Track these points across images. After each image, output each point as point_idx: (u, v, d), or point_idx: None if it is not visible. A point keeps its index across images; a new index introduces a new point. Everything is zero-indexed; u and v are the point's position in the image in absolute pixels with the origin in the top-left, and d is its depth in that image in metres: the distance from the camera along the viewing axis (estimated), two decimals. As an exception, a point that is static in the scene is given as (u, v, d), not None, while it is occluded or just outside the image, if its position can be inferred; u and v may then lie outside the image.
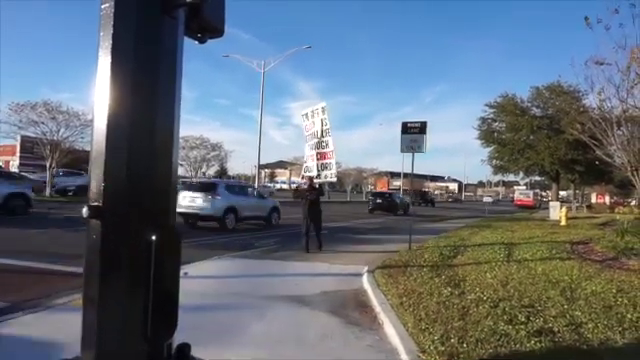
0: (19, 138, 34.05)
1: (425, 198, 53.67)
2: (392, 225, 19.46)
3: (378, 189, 73.75)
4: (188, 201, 14.69)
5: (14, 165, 44.93)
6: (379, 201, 30.51)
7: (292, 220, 15.50)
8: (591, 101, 16.46)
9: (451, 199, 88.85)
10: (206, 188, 15.49)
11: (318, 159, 11.03)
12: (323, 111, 11.13)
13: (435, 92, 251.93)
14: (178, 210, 8.28)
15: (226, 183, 17.94)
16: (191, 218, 14.73)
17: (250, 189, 18.59)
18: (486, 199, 79.73)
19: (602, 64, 11.60)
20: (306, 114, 11.48)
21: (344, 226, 18.20)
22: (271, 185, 50.57)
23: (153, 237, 0.99)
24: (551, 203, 29.45)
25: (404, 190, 48.41)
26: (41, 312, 4.73)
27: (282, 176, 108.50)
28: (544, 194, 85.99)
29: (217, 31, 1.23)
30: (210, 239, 11.74)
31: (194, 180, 30.87)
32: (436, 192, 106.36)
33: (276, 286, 6.52)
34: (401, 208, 30.30)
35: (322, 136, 11.06)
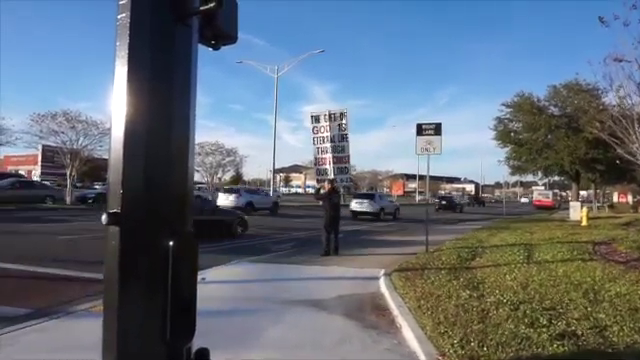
0: (40, 147, 34.96)
1: (478, 200, 66.19)
2: (409, 227, 19.32)
3: (394, 192, 75.96)
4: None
5: (36, 174, 46.09)
6: (444, 202, 40.84)
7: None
8: (610, 99, 16.13)
9: (493, 200, 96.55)
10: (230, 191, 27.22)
11: (334, 162, 11.03)
12: (342, 116, 11.11)
13: (449, 93, 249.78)
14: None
15: (245, 189, 30.67)
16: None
17: (261, 191, 32.95)
18: (523, 200, 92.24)
19: (621, 61, 11.35)
20: (317, 117, 11.46)
21: (359, 229, 18.14)
22: (279, 190, 55.71)
23: (170, 243, 1.01)
24: (571, 203, 28.85)
25: (462, 193, 66.78)
26: (63, 318, 4.81)
27: (297, 180, 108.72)
28: (563, 194, 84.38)
29: (230, 38, 1.25)
30: (227, 244, 11.81)
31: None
32: (453, 193, 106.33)
33: (293, 290, 6.52)
34: (459, 207, 40.79)
35: (340, 140, 11.05)
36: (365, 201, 26.01)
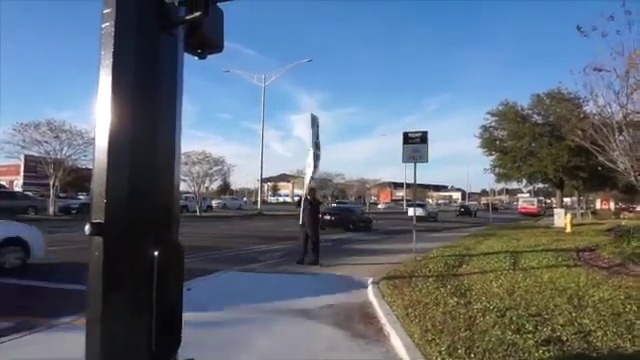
0: (23, 158, 34.28)
1: (494, 206, 74.60)
2: (399, 234, 19.36)
3: (381, 200, 77.18)
4: None
5: (18, 184, 45.12)
6: (462, 209, 52.89)
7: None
8: (591, 107, 16.46)
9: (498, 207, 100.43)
10: None
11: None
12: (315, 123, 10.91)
13: (438, 101, 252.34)
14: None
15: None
16: None
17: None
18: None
19: (601, 70, 11.64)
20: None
21: (342, 237, 18.12)
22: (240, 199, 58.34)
23: (156, 253, 1.00)
24: (556, 210, 29.26)
25: (476, 202, 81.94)
26: (45, 331, 4.70)
27: (285, 189, 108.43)
28: (548, 201, 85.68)
29: (216, 47, 1.25)
30: (214, 254, 11.70)
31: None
32: (440, 202, 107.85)
33: (281, 300, 6.47)
34: (474, 213, 51.49)
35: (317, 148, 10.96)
36: (463, 208, 33.65)
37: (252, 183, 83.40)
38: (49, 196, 27.23)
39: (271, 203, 79.64)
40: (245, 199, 38.55)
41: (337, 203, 43.25)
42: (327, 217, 21.88)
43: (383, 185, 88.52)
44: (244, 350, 4.32)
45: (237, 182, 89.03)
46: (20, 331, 4.62)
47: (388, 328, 4.98)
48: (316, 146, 10.85)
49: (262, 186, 46.19)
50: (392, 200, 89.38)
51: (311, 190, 10.84)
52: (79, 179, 29.02)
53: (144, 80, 1.05)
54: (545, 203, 75.32)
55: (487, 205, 66.65)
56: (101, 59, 1.04)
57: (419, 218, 26.95)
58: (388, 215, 45.89)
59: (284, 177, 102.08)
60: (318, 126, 11.16)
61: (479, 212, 54.68)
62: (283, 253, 12.42)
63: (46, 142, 26.07)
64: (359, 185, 65.01)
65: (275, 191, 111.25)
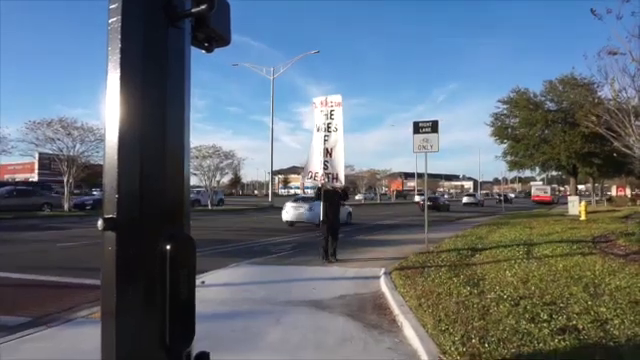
0: (37, 155, 34.80)
1: (506, 197, 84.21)
2: (413, 223, 19.33)
3: (392, 190, 77.23)
4: None
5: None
6: (500, 197, 50.37)
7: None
8: (606, 92, 16.18)
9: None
10: None
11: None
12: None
13: (448, 90, 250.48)
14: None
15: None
16: None
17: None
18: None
19: (615, 54, 11.39)
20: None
21: (360, 226, 18.13)
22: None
23: (168, 247, 1.00)
24: (570, 198, 28.89)
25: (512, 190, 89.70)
26: (62, 325, 4.80)
27: (295, 181, 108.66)
28: (562, 189, 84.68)
29: (223, 40, 1.24)
30: (226, 247, 11.80)
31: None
32: (451, 191, 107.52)
33: (293, 291, 6.51)
34: (510, 200, 58.54)
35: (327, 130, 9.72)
36: (500, 196, 38.19)
37: (263, 176, 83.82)
38: (64, 193, 27.65)
39: (282, 196, 79.98)
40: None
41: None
42: (428, 203, 26.12)
43: (394, 175, 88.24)
44: (257, 342, 4.36)
45: (248, 175, 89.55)
46: (38, 326, 4.72)
47: (401, 318, 4.98)
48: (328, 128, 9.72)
49: (273, 179, 46.26)
50: (402, 190, 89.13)
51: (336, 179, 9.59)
52: (92, 175, 29.36)
53: (152, 75, 1.05)
54: (559, 191, 74.61)
55: (499, 195, 68.35)
56: (109, 55, 1.04)
57: (470, 204, 40.29)
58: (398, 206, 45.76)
59: (294, 169, 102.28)
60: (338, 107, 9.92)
61: (486, 202, 56.01)
62: (295, 245, 12.49)
63: (59, 139, 26.43)
64: (369, 176, 64.89)
65: (286, 184, 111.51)
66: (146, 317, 0.99)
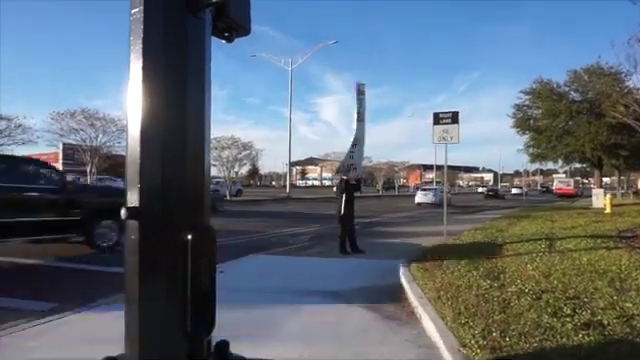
0: (61, 146, 35.70)
1: (547, 188, 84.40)
2: (431, 216, 19.19)
3: (410, 183, 76.96)
4: None
5: (58, 172, 46.97)
6: (544, 189, 54.17)
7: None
8: (635, 82, 15.63)
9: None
10: None
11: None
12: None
13: (468, 80, 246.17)
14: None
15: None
16: None
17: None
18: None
19: (646, 41, 10.97)
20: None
21: (379, 220, 18.09)
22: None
23: (189, 236, 1.01)
24: (594, 190, 28.21)
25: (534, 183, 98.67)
26: (88, 311, 4.93)
27: (313, 173, 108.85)
28: (585, 181, 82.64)
29: (243, 29, 1.24)
30: (245, 237, 11.92)
31: None
32: (470, 183, 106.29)
33: (311, 282, 6.54)
34: (549, 190, 62.76)
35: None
36: (521, 190, 46.64)
37: (280, 167, 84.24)
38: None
39: (300, 187, 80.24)
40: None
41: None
42: (489, 193, 40.15)
43: (412, 167, 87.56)
44: (275, 331, 4.41)
45: (266, 166, 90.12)
46: (64, 311, 4.86)
47: (420, 311, 4.96)
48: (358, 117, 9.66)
49: (290, 170, 46.44)
50: (421, 182, 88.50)
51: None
52: (115, 166, 30.02)
53: (174, 65, 1.06)
54: (582, 184, 72.81)
55: (520, 187, 67.94)
56: (131, 45, 1.05)
57: (518, 195, 47.30)
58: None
59: (312, 160, 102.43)
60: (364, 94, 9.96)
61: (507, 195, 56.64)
62: (313, 236, 12.54)
63: (82, 130, 27.09)
64: (387, 168, 64.49)
65: (304, 175, 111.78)
66: (168, 305, 1.01)
